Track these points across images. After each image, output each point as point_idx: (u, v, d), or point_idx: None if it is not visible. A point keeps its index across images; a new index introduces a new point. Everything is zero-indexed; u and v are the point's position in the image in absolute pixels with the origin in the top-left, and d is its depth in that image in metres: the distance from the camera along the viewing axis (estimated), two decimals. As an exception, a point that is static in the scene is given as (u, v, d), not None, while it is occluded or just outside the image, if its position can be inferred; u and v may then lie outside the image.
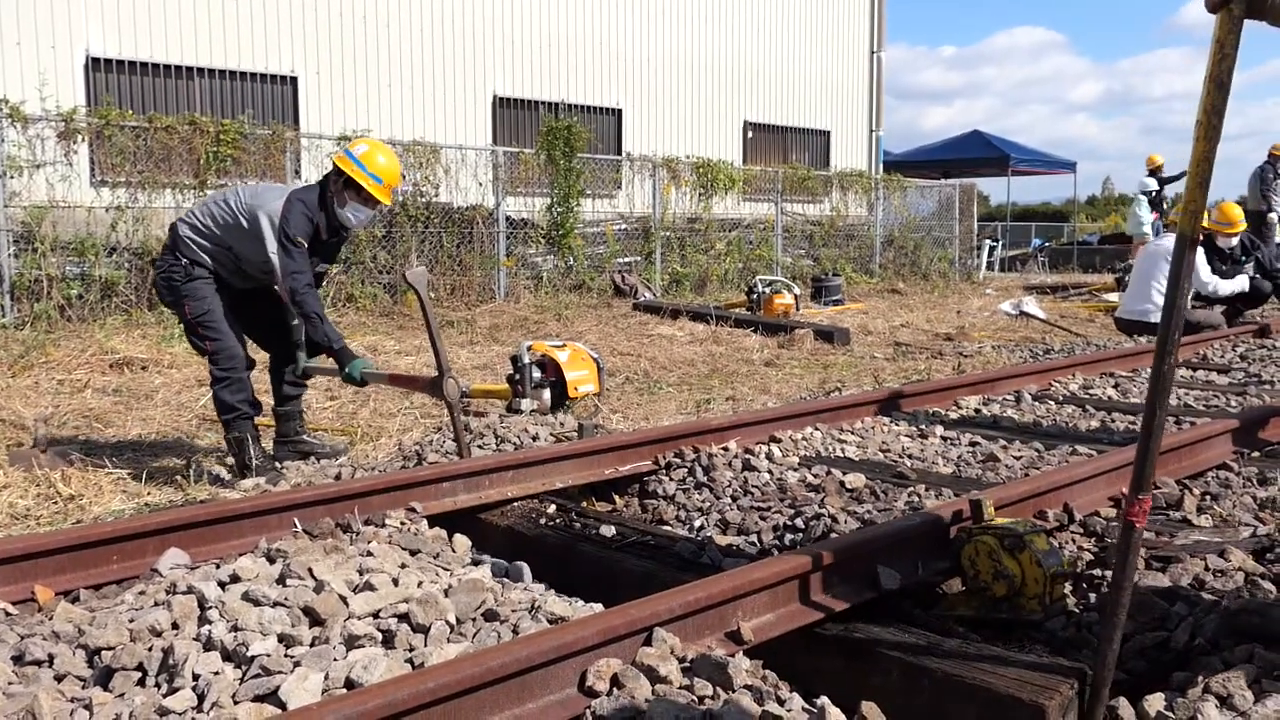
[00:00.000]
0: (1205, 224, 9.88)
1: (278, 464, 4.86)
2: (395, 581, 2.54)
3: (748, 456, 4.19)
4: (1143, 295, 9.77)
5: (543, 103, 16.53)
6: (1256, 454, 4.29)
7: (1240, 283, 9.95)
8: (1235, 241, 10.17)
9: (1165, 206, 16.90)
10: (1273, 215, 14.00)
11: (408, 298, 11.23)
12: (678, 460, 4.14)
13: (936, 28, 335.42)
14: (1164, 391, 1.89)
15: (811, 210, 17.62)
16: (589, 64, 17.62)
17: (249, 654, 2.14)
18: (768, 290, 12.18)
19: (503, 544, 3.34)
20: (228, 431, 4.80)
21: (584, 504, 3.98)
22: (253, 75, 13.86)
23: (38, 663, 2.19)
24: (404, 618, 2.36)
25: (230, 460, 4.92)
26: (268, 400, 5.36)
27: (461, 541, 3.11)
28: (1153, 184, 16.91)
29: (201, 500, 4.17)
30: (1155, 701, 2.11)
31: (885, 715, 2.09)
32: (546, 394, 6.17)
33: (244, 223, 4.67)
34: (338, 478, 4.16)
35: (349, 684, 2.05)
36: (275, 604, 2.37)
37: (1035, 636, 2.53)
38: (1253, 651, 2.23)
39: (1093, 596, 2.75)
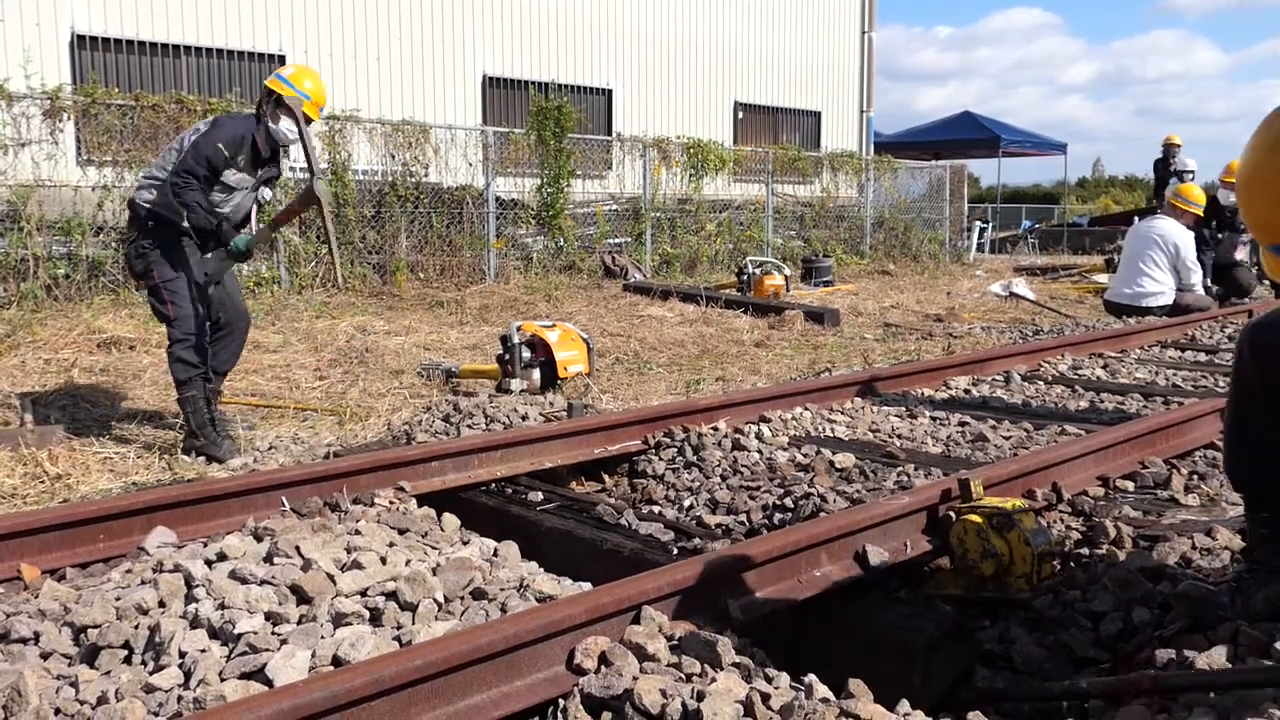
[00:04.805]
0: (1189, 205, 9.92)
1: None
2: (383, 560, 2.53)
3: (737, 436, 4.19)
4: (1132, 277, 9.78)
5: (533, 82, 16.42)
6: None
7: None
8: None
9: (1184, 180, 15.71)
10: None
11: (397, 278, 11.20)
12: (667, 440, 4.13)
13: (933, 8, 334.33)
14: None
15: (802, 191, 17.59)
16: (579, 44, 17.52)
17: (236, 632, 2.13)
18: (758, 271, 12.15)
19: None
20: (182, 392, 4.82)
21: (573, 484, 3.99)
22: (240, 54, 13.74)
23: (23, 640, 2.19)
24: (392, 596, 2.36)
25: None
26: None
27: (450, 520, 3.10)
28: (1192, 163, 15.28)
29: (189, 479, 4.16)
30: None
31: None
32: (536, 374, 6.17)
33: (176, 155, 4.85)
34: (326, 457, 4.15)
35: (336, 661, 2.05)
36: (262, 582, 2.37)
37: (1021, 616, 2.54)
38: (1236, 629, 2.24)
39: (1080, 575, 2.76)
